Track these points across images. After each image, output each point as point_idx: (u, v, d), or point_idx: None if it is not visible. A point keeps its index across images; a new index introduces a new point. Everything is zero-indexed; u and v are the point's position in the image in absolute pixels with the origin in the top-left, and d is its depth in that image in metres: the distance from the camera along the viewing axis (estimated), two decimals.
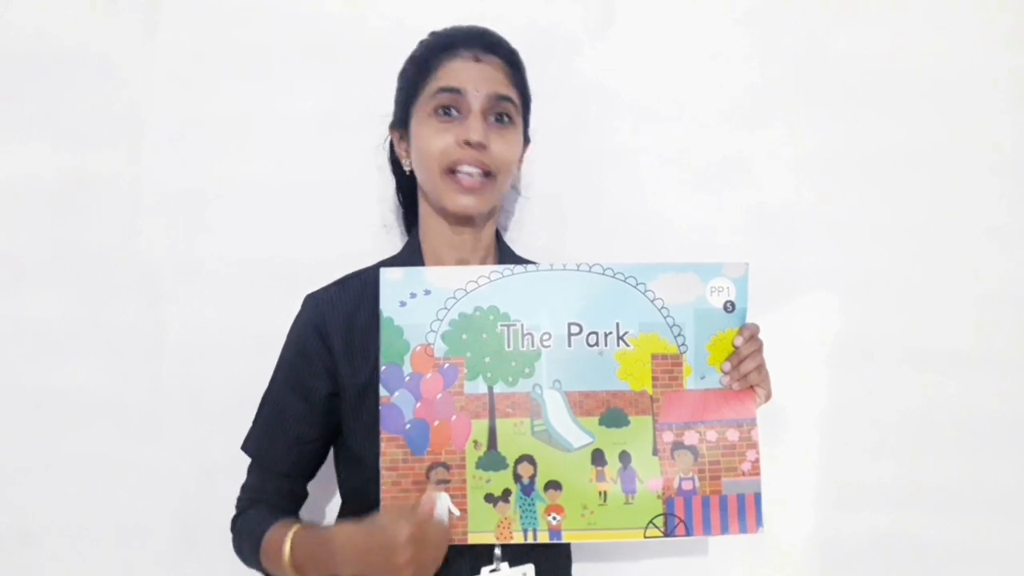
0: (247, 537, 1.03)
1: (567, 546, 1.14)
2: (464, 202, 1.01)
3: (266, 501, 1.06)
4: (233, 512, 1.08)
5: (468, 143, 0.99)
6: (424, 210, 1.09)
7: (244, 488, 1.09)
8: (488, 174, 1.02)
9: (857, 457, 1.36)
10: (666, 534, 0.96)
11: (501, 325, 0.96)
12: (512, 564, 1.00)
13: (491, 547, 0.99)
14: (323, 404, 1.04)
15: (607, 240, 1.34)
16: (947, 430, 1.36)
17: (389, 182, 1.21)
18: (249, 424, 1.10)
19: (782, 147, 1.35)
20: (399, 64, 1.09)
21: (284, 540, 0.96)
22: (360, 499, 1.00)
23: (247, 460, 1.09)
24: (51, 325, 1.30)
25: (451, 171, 1.01)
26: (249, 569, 1.06)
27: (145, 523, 1.32)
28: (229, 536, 1.07)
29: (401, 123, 1.08)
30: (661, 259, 1.00)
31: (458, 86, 1.01)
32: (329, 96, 1.30)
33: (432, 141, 1.01)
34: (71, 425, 1.31)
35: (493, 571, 0.99)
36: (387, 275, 0.96)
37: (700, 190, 1.35)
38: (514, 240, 1.32)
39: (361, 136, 1.23)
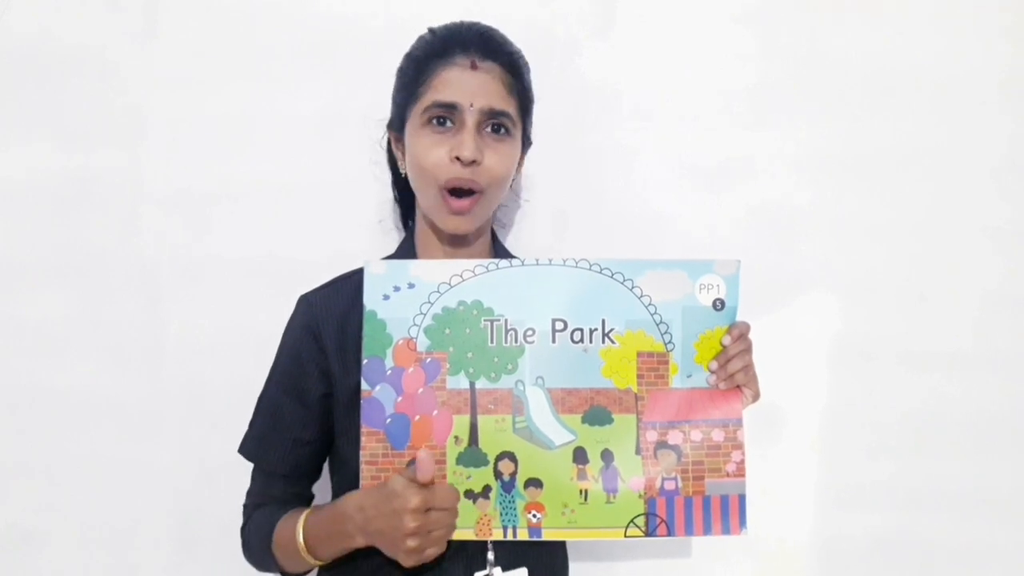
0: (256, 535, 1.02)
1: (563, 550, 1.12)
2: (453, 224, 1.00)
3: (275, 502, 1.05)
4: (237, 518, 1.07)
5: (459, 159, 0.97)
6: (420, 213, 1.08)
7: (249, 494, 1.08)
8: (476, 192, 0.99)
9: (857, 457, 1.36)
10: (647, 534, 0.94)
11: (485, 320, 0.95)
12: (506, 568, 0.99)
13: (484, 552, 0.98)
14: (319, 405, 1.03)
15: (607, 240, 1.34)
16: (947, 430, 1.35)
17: (388, 181, 1.21)
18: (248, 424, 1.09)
19: (782, 147, 1.35)
20: (399, 64, 1.08)
21: (296, 524, 0.96)
22: None
23: (247, 460, 1.08)
24: (51, 325, 1.31)
25: (445, 189, 0.98)
26: (249, 569, 1.06)
27: (145, 523, 1.32)
28: (229, 536, 1.06)
29: (398, 125, 1.06)
30: (650, 255, 0.98)
31: (452, 101, 0.97)
32: (329, 96, 1.30)
33: (425, 154, 0.98)
34: (71, 425, 1.31)
35: None
36: (371, 268, 0.94)
37: (700, 190, 1.35)
38: (513, 241, 1.31)
39: (361, 136, 1.22)
